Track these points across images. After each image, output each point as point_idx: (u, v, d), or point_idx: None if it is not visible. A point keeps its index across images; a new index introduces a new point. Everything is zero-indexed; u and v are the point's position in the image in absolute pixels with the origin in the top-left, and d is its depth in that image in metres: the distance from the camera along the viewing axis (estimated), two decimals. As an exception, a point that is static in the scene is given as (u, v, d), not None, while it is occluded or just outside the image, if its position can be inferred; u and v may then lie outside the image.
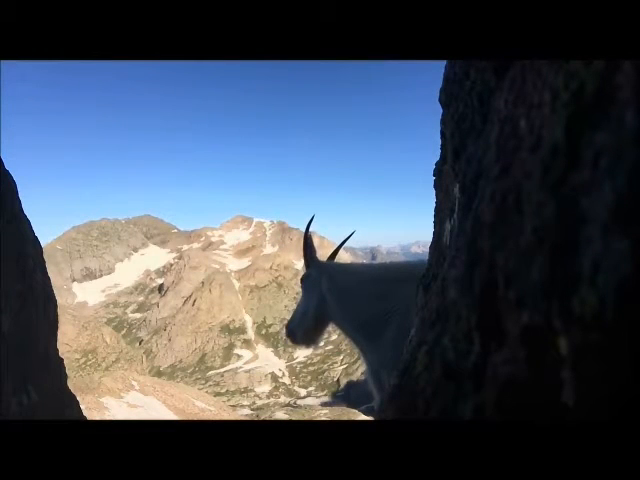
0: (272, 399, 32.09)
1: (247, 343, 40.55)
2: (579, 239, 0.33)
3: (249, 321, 43.83)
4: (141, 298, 51.74)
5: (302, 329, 1.84)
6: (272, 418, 18.59)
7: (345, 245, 2.18)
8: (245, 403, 30.96)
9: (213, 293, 43.15)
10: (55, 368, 3.43)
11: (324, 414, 17.26)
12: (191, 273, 48.68)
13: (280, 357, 39.21)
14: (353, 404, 22.05)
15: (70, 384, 3.96)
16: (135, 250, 59.36)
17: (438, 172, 1.18)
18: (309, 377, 35.82)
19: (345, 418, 15.52)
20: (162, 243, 63.46)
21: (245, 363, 37.77)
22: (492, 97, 0.74)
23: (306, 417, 17.29)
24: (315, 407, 23.39)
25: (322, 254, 2.01)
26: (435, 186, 1.23)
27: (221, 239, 63.17)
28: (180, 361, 38.27)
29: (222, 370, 36.50)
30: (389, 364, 1.32)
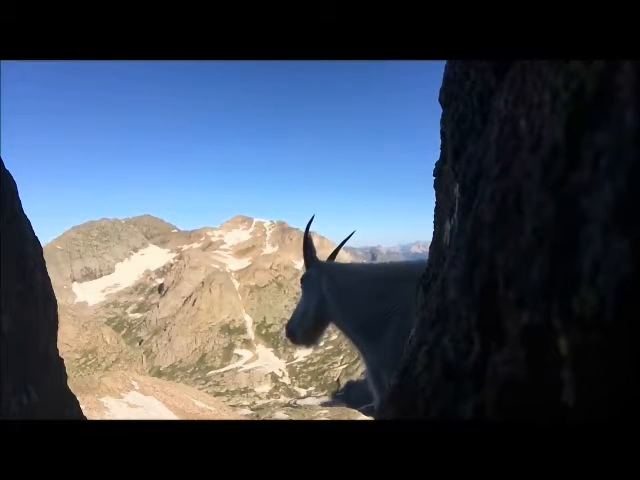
0: (272, 399, 32.07)
1: (247, 343, 40.54)
2: (579, 239, 0.33)
3: (249, 321, 43.82)
4: (141, 298, 51.73)
5: (302, 329, 1.84)
6: (272, 418, 18.57)
7: (345, 245, 2.18)
8: (245, 403, 30.94)
9: (213, 293, 43.13)
10: (55, 368, 3.43)
11: (324, 414, 17.24)
12: (191, 273, 48.68)
13: (280, 357, 39.19)
14: (353, 404, 22.02)
15: (70, 384, 3.96)
16: (135, 250, 59.34)
17: (438, 172, 1.18)
18: (309, 377, 35.80)
19: (345, 418, 15.51)
20: (162, 243, 63.45)
21: (245, 363, 37.76)
22: (492, 97, 0.74)
23: (306, 417, 17.27)
24: (315, 407, 23.37)
25: (322, 254, 2.00)
26: (435, 186, 1.22)
27: (221, 239, 63.16)
28: (180, 361, 38.26)
29: (222, 370, 36.48)
30: (389, 364, 1.32)
